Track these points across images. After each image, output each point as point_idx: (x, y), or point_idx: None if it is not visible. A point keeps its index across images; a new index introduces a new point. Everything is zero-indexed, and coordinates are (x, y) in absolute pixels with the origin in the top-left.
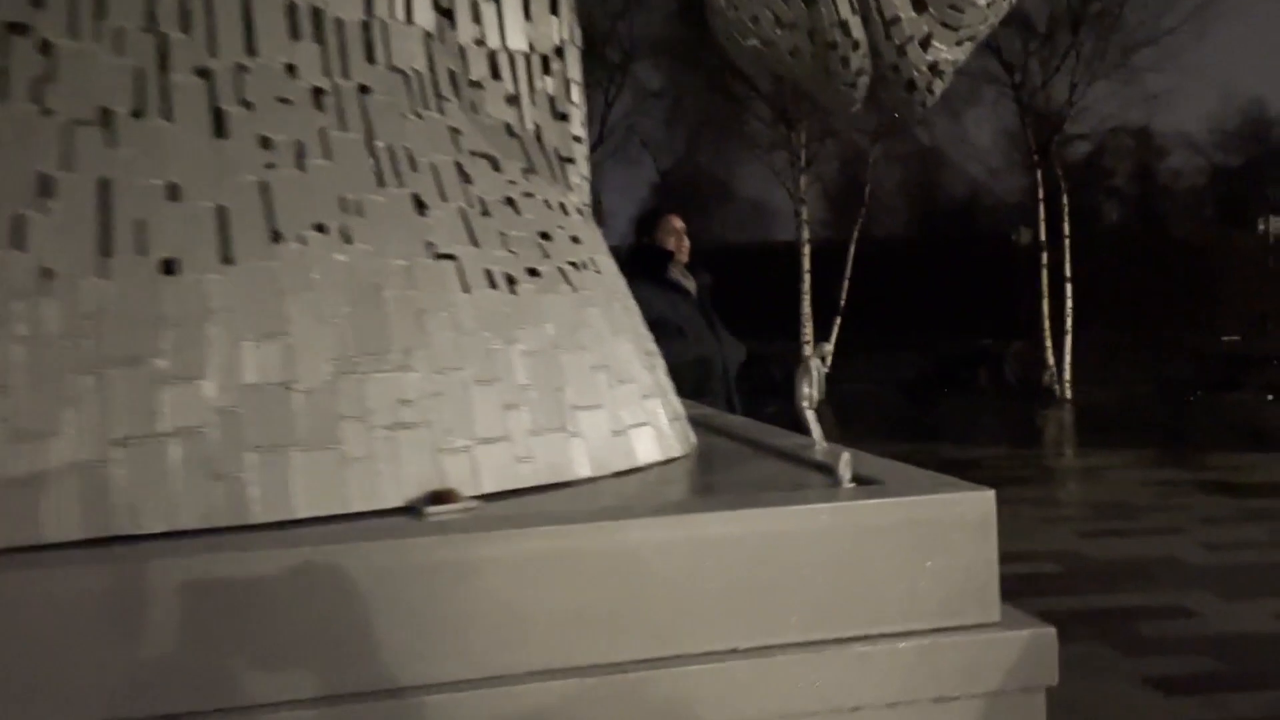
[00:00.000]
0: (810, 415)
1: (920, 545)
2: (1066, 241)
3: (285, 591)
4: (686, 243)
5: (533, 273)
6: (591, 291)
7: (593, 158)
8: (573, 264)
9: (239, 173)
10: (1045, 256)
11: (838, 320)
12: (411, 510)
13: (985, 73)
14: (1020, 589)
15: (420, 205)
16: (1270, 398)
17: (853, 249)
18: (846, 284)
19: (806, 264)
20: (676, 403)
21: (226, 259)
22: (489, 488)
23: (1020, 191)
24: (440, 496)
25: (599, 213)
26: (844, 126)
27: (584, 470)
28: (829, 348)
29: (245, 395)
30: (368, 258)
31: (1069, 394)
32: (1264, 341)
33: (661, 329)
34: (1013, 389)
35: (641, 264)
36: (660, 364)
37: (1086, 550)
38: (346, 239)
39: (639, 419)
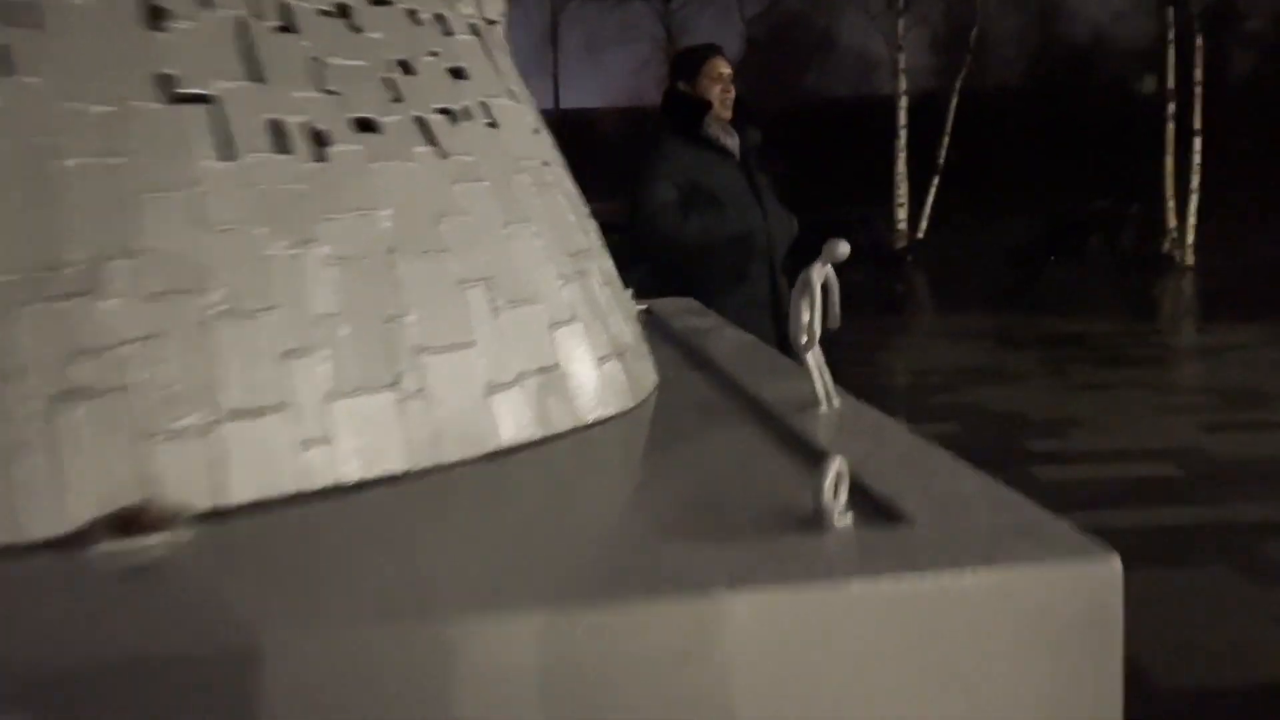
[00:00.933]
0: (811, 359)
1: (964, 664)
2: (1197, 90)
3: None
4: (732, 93)
5: (365, 126)
6: (474, 156)
7: (673, 3)
8: (445, 112)
9: None
10: (1172, 108)
11: (935, 181)
12: (78, 542)
13: None
14: (1130, 497)
15: (153, 11)
16: None
17: (954, 101)
18: (947, 140)
19: (903, 118)
20: (622, 327)
21: None
22: (241, 497)
23: (1146, 36)
24: (128, 520)
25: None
26: None
27: (423, 456)
28: (845, 248)
29: None
30: (36, 102)
31: (1193, 261)
32: None
33: (694, 198)
34: (1129, 256)
35: (674, 117)
36: (599, 267)
37: (1211, 447)
38: (3, 70)
39: (536, 363)
